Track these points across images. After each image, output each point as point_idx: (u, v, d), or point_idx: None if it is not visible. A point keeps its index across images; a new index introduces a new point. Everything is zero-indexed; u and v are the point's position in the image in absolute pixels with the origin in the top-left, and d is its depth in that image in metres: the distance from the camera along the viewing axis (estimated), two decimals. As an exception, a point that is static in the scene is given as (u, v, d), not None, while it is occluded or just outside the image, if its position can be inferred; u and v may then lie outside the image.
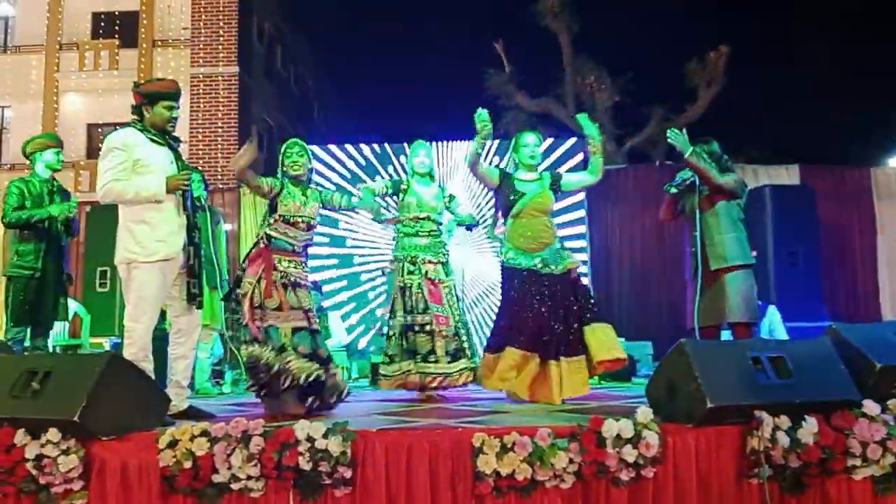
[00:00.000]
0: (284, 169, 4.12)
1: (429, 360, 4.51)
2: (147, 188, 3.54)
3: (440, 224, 4.81)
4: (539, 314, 4.17)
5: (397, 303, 4.62)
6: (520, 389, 4.13)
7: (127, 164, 3.55)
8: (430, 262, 4.64)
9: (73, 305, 6.46)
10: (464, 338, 4.61)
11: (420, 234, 4.71)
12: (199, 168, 5.80)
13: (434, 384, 4.51)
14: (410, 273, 4.62)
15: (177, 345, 3.73)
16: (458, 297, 4.79)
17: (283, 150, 4.16)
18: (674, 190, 4.76)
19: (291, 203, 4.01)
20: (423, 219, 4.71)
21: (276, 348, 3.75)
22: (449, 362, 4.51)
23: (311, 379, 3.72)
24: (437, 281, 4.62)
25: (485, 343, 4.52)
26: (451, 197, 4.91)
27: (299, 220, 4.01)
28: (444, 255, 4.75)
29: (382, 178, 8.39)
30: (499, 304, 4.45)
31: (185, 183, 3.62)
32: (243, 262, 4.01)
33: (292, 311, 3.85)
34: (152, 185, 3.55)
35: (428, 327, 4.52)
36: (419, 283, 4.59)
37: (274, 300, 3.83)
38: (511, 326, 4.24)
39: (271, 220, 4.01)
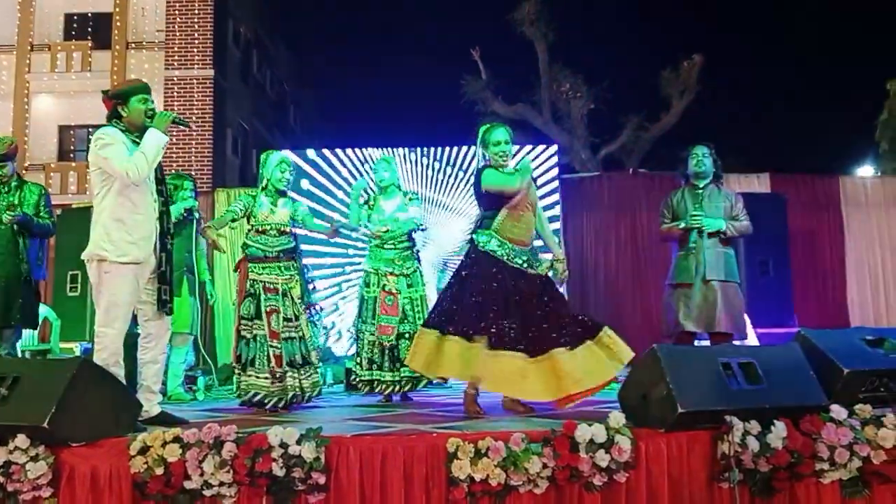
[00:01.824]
0: (269, 180, 4.45)
1: (372, 368, 4.77)
2: (155, 141, 3.53)
3: (408, 234, 4.94)
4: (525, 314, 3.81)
5: (363, 313, 4.87)
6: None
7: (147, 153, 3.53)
8: (391, 274, 4.82)
9: (43, 310, 6.35)
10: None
11: (386, 247, 4.87)
12: (191, 176, 5.73)
13: (380, 390, 4.76)
14: (373, 285, 4.84)
15: (146, 349, 3.68)
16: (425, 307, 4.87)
17: (272, 163, 4.46)
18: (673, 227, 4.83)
19: (260, 213, 4.39)
20: (385, 232, 4.87)
21: (247, 362, 4.26)
22: (390, 370, 4.72)
23: (258, 398, 4.24)
24: (395, 292, 4.79)
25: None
26: (412, 198, 5.03)
27: (268, 227, 4.38)
28: (409, 267, 4.88)
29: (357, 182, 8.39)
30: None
31: (170, 116, 3.63)
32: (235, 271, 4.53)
33: (265, 318, 4.24)
34: (151, 139, 3.53)
35: (372, 337, 4.78)
36: (376, 296, 4.81)
37: (248, 309, 4.27)
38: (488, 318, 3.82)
39: (248, 230, 4.43)
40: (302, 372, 4.29)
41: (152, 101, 3.71)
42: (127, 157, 3.47)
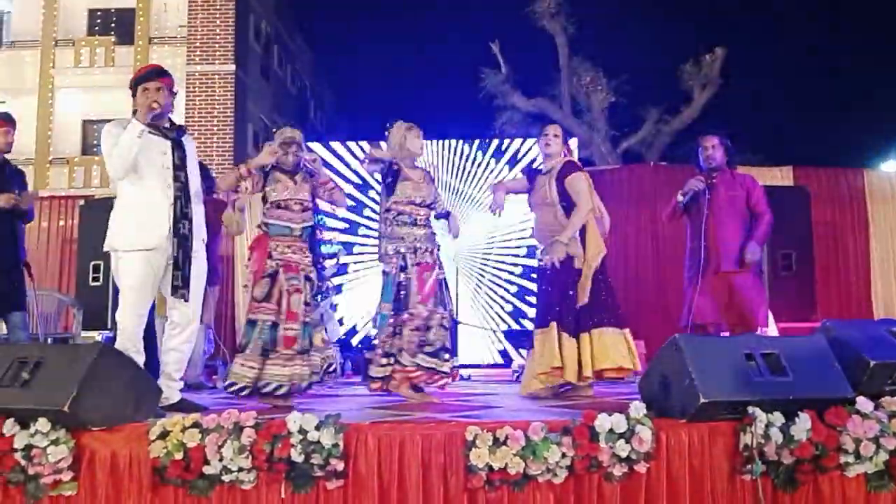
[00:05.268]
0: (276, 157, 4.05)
1: (418, 356, 4.16)
2: (127, 136, 3.50)
3: (433, 211, 4.45)
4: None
5: (405, 298, 4.22)
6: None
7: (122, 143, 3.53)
8: (426, 251, 4.28)
9: (67, 299, 6.42)
10: (446, 335, 4.29)
11: (419, 223, 4.31)
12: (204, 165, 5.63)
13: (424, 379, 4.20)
14: (411, 266, 4.22)
15: (170, 337, 3.71)
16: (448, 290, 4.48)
17: (273, 140, 4.13)
18: (682, 199, 4.74)
19: (280, 187, 3.99)
20: (419, 205, 4.31)
21: (255, 349, 3.82)
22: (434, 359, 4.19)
23: (283, 390, 3.81)
24: (431, 269, 4.27)
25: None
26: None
27: (292, 202, 3.98)
28: (437, 246, 4.39)
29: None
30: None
31: (153, 102, 3.56)
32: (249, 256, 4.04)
33: (285, 298, 3.86)
34: (125, 134, 3.51)
35: (415, 322, 4.17)
36: (413, 277, 4.21)
37: (262, 290, 3.86)
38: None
39: (265, 210, 4.03)
40: (309, 357, 3.94)
41: (162, 88, 3.62)
42: (109, 153, 3.52)
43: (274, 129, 4.25)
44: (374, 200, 8.00)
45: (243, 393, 3.82)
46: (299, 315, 3.89)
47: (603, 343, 4.09)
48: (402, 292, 4.19)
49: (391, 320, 4.19)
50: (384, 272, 4.29)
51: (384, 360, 4.18)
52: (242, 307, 8.03)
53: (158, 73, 3.70)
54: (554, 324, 4.12)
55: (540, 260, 4.42)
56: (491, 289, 8.17)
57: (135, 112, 3.62)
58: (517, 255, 8.08)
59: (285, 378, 3.82)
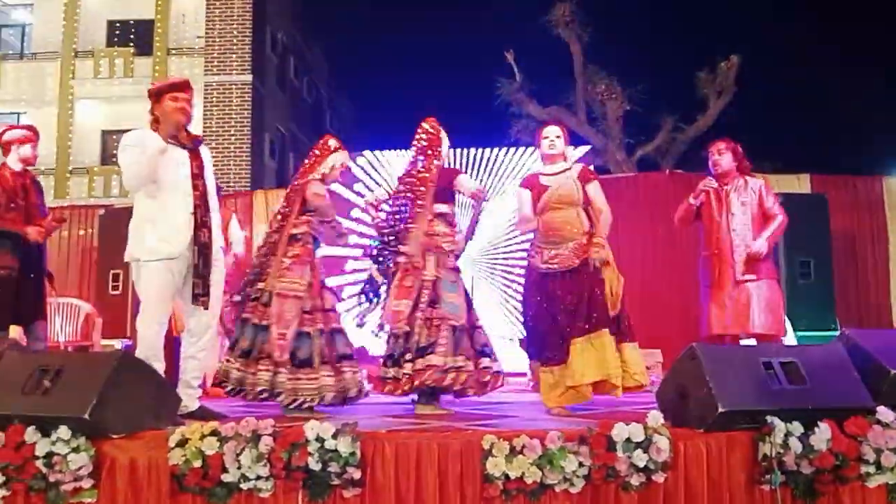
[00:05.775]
0: (328, 172, 4.10)
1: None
2: (149, 149, 3.53)
3: None
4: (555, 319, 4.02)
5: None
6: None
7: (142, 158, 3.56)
8: None
9: (86, 307, 6.51)
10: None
11: None
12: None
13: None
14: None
15: (188, 345, 3.74)
16: None
17: (336, 161, 4.11)
18: (694, 201, 4.72)
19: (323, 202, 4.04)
20: None
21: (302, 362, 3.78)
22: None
23: (325, 400, 3.81)
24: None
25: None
26: None
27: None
28: None
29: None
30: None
31: (179, 115, 3.60)
32: (282, 261, 3.91)
33: (325, 311, 3.92)
34: (148, 149, 3.53)
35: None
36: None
37: (318, 302, 3.91)
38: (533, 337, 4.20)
39: (303, 219, 4.00)
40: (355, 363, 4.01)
41: (188, 100, 3.68)
42: (127, 166, 3.54)
43: (335, 147, 4.15)
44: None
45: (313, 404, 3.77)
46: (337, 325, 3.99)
47: (626, 357, 3.97)
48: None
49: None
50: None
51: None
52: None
53: (188, 86, 3.76)
54: (605, 330, 3.89)
55: (553, 263, 4.15)
56: (507, 290, 8.13)
57: (155, 120, 3.66)
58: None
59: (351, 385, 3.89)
